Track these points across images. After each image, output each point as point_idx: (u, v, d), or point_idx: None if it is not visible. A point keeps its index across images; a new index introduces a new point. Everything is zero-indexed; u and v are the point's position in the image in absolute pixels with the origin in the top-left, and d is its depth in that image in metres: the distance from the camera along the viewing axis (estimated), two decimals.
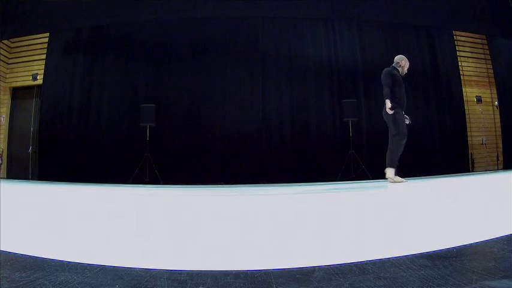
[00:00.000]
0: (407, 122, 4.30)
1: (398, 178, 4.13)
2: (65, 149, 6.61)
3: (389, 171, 4.13)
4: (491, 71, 7.43)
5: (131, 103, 6.50)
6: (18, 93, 7.27)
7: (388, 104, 4.08)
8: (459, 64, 7.19)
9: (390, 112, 4.08)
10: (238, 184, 5.58)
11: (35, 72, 6.99)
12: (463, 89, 7.15)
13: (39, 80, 6.95)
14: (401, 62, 4.35)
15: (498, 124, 7.28)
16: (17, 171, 7.01)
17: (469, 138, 7.08)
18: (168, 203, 2.80)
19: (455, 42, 7.31)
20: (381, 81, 4.24)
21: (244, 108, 6.55)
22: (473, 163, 7.06)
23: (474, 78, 7.34)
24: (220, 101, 6.59)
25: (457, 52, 7.25)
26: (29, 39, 7.12)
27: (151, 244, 1.22)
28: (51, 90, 6.89)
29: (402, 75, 4.35)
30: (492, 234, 1.10)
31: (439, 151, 6.79)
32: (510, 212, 1.60)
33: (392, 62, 4.41)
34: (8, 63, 7.23)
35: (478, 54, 7.45)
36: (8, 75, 7.22)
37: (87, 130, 6.67)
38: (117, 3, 6.69)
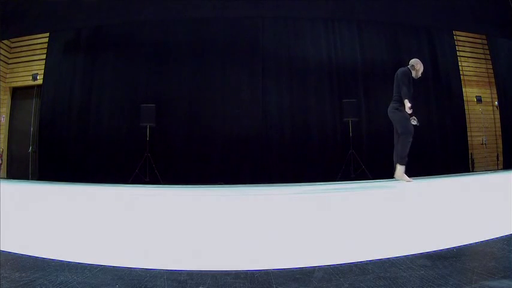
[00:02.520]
0: (414, 123, 4.37)
1: (406, 177, 4.16)
2: (65, 149, 6.61)
3: (399, 169, 4.18)
4: (491, 71, 7.42)
5: (131, 103, 6.50)
6: (18, 93, 7.27)
7: (408, 103, 4.14)
8: (459, 64, 7.18)
9: (410, 111, 4.15)
10: (238, 184, 5.57)
11: (35, 72, 6.99)
12: (463, 89, 7.14)
13: (39, 80, 6.95)
14: (417, 66, 4.44)
15: (498, 124, 7.27)
16: (17, 171, 7.01)
17: (469, 138, 7.08)
18: (167, 203, 2.80)
19: (455, 42, 7.30)
20: (397, 80, 4.32)
21: (244, 108, 6.54)
22: (473, 163, 7.06)
23: (474, 78, 7.33)
24: (220, 101, 6.59)
25: (457, 52, 7.24)
26: (29, 39, 7.12)
27: (151, 244, 1.22)
28: (51, 90, 6.89)
29: (415, 78, 4.46)
30: (492, 234, 1.10)
31: (439, 151, 6.79)
32: (510, 212, 1.60)
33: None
34: (8, 63, 7.23)
35: (478, 54, 7.44)
36: (8, 75, 7.22)
37: (87, 130, 6.67)
38: (117, 3, 6.68)
